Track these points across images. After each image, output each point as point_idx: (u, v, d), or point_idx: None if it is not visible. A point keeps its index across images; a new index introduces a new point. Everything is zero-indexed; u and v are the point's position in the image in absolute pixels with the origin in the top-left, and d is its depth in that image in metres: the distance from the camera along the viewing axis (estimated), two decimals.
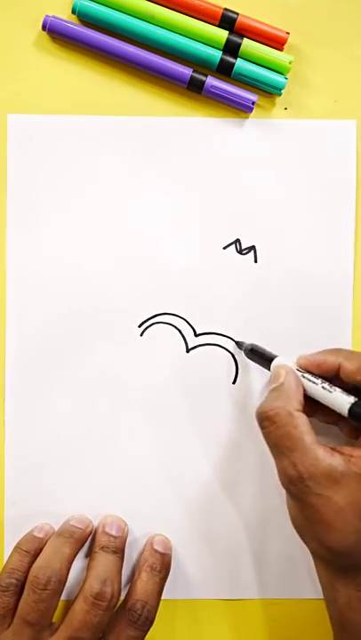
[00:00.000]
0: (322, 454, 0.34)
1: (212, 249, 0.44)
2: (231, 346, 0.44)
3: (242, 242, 0.44)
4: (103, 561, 0.40)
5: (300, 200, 0.44)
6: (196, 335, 0.44)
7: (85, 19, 0.42)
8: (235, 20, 0.42)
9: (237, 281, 0.44)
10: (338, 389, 0.36)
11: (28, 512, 0.43)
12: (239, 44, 0.42)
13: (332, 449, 0.35)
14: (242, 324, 0.44)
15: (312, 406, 0.38)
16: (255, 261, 0.44)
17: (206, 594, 0.44)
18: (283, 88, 0.43)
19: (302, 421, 0.35)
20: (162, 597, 0.42)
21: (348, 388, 0.37)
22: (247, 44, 0.42)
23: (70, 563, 0.40)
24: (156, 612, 0.40)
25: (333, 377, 0.38)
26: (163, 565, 0.41)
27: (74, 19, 0.43)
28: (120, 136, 0.43)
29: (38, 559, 0.40)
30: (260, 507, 0.44)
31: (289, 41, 0.43)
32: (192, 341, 0.44)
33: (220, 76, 0.43)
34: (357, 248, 0.44)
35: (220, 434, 0.44)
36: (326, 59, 0.44)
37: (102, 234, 0.44)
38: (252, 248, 0.44)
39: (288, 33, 0.42)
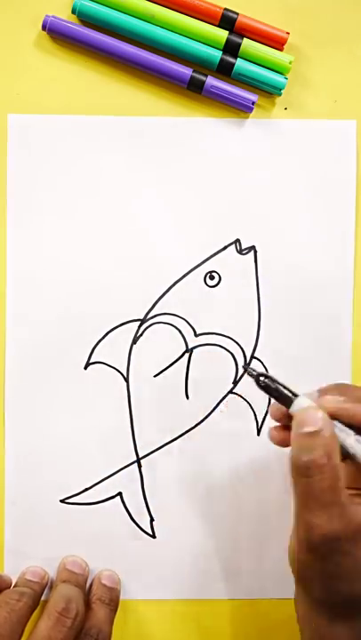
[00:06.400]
0: (357, 511, 0.33)
1: (212, 249, 0.44)
2: (231, 346, 0.44)
3: (242, 242, 0.44)
4: (66, 587, 0.41)
5: (300, 200, 0.44)
6: (196, 335, 0.44)
7: (85, 19, 0.42)
8: (235, 20, 0.42)
9: (237, 281, 0.44)
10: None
11: (27, 512, 0.43)
12: (239, 44, 0.42)
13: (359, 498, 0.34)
14: (242, 325, 0.44)
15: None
16: (255, 261, 0.44)
17: (206, 594, 0.44)
18: (283, 88, 0.43)
19: (343, 474, 0.33)
20: (159, 598, 0.42)
21: None
22: (247, 44, 0.42)
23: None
24: (109, 639, 0.40)
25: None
26: (111, 598, 0.42)
27: (74, 19, 0.43)
28: (120, 136, 0.43)
29: None
30: (259, 507, 0.44)
31: (289, 41, 0.43)
32: (192, 341, 0.44)
33: (220, 76, 0.43)
34: (357, 248, 0.44)
35: (220, 434, 0.44)
36: (326, 59, 0.44)
37: (102, 234, 0.44)
38: (252, 248, 0.44)
39: (288, 33, 0.42)
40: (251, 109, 0.43)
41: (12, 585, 0.42)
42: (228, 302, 0.44)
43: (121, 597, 0.43)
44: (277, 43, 0.42)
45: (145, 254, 0.44)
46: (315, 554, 0.33)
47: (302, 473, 0.33)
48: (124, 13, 0.42)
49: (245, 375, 0.44)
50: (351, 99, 0.44)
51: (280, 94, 0.43)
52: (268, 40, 0.42)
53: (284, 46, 0.43)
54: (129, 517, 0.44)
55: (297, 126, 0.44)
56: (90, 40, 0.42)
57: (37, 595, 0.41)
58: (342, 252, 0.44)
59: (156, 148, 0.43)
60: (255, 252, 0.44)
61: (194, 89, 0.43)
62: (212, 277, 0.44)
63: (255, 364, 0.44)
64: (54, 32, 0.42)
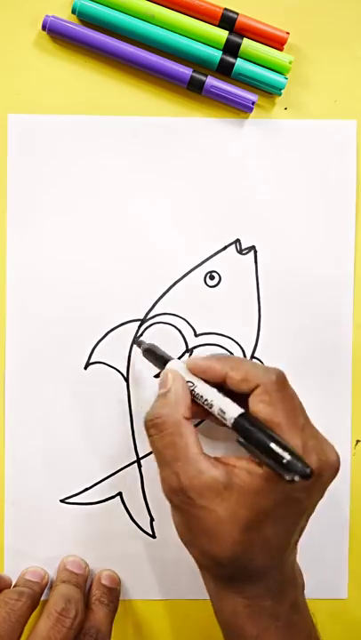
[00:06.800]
0: (205, 466, 0.34)
1: (212, 249, 0.44)
2: (231, 346, 0.44)
3: (242, 242, 0.44)
4: (65, 587, 0.41)
5: (300, 200, 0.44)
6: (196, 335, 0.44)
7: (85, 19, 0.42)
8: (235, 20, 0.42)
9: (237, 281, 0.44)
10: (220, 401, 0.36)
11: (28, 512, 0.43)
12: (239, 44, 0.42)
13: (217, 460, 0.35)
14: (242, 324, 0.44)
15: (206, 410, 0.37)
16: (255, 261, 0.44)
17: (206, 594, 0.44)
18: (283, 88, 0.43)
19: (189, 431, 0.35)
20: (159, 598, 0.42)
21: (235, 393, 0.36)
22: (247, 44, 0.42)
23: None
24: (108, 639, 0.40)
25: (220, 383, 0.37)
26: (110, 598, 0.42)
27: (74, 19, 0.43)
28: (120, 136, 0.43)
29: None
30: None
31: (289, 41, 0.43)
32: (192, 341, 0.44)
33: (220, 76, 0.43)
34: (357, 248, 0.44)
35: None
36: (326, 59, 0.44)
37: (102, 233, 0.44)
38: (252, 248, 0.44)
39: (288, 33, 0.42)
40: (251, 109, 0.43)
41: (12, 585, 0.42)
42: (228, 302, 0.44)
43: (121, 597, 0.43)
44: (277, 43, 0.42)
45: (145, 254, 0.44)
46: (175, 508, 0.36)
47: (147, 432, 0.37)
48: (124, 13, 0.42)
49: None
50: (351, 99, 0.44)
51: (280, 94, 0.43)
52: (268, 40, 0.42)
53: (284, 46, 0.43)
54: (129, 517, 0.44)
55: (297, 126, 0.44)
56: (90, 40, 0.42)
57: (37, 595, 0.41)
58: (342, 251, 0.44)
59: (156, 148, 0.43)
60: (255, 252, 0.44)
61: (194, 89, 0.43)
62: (212, 277, 0.44)
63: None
64: (54, 32, 0.42)
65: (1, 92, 0.43)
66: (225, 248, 0.44)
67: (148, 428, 0.37)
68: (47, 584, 0.43)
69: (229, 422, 0.35)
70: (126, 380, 0.44)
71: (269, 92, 0.43)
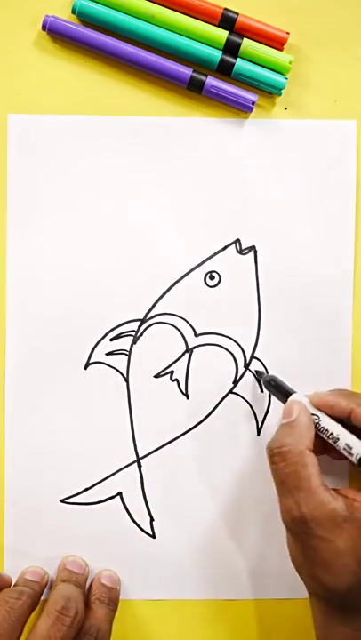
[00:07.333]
0: (327, 498, 0.35)
1: (212, 249, 0.44)
2: (231, 346, 0.44)
3: (242, 242, 0.44)
4: (65, 587, 0.41)
5: (300, 200, 0.44)
6: (196, 335, 0.44)
7: (85, 19, 0.42)
8: (235, 20, 0.42)
9: (237, 281, 0.44)
10: (346, 436, 0.36)
11: (27, 512, 0.43)
12: (239, 44, 0.42)
13: (337, 492, 0.36)
14: (242, 324, 0.44)
15: (325, 444, 0.38)
16: (255, 261, 0.44)
17: (206, 594, 0.44)
18: (283, 88, 0.43)
19: (311, 461, 0.36)
20: (159, 598, 0.42)
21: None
22: (247, 44, 0.42)
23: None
24: (108, 638, 0.40)
25: (346, 418, 0.38)
26: (110, 598, 0.42)
27: (74, 19, 0.43)
28: (120, 136, 0.43)
29: None
30: (260, 507, 0.44)
31: (289, 41, 0.43)
32: (192, 341, 0.44)
33: (220, 76, 0.43)
34: (357, 248, 0.44)
35: (220, 434, 0.44)
36: (326, 59, 0.44)
37: (102, 234, 0.44)
38: (252, 248, 0.44)
39: (288, 33, 0.42)
40: (251, 109, 0.43)
41: (12, 584, 0.42)
42: (228, 302, 0.44)
43: (121, 597, 0.43)
44: (277, 43, 0.42)
45: (145, 254, 0.44)
46: (293, 536, 0.36)
47: (270, 460, 0.37)
48: (124, 13, 0.42)
49: (245, 375, 0.44)
50: (351, 99, 0.44)
51: (280, 94, 0.43)
52: (268, 40, 0.42)
53: (284, 46, 0.43)
54: (129, 517, 0.44)
55: (297, 126, 0.44)
56: (90, 40, 0.42)
57: (37, 594, 0.41)
58: (342, 251, 0.44)
59: (156, 148, 0.43)
60: (255, 252, 0.44)
61: (194, 89, 0.43)
62: (212, 277, 0.44)
63: (255, 364, 0.44)
64: (54, 32, 0.42)
65: (1, 92, 0.43)
66: (225, 248, 0.44)
67: (271, 456, 0.37)
68: (47, 584, 0.43)
69: (356, 458, 0.36)
70: (126, 380, 0.44)
71: (269, 91, 0.43)
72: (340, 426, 0.37)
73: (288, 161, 0.44)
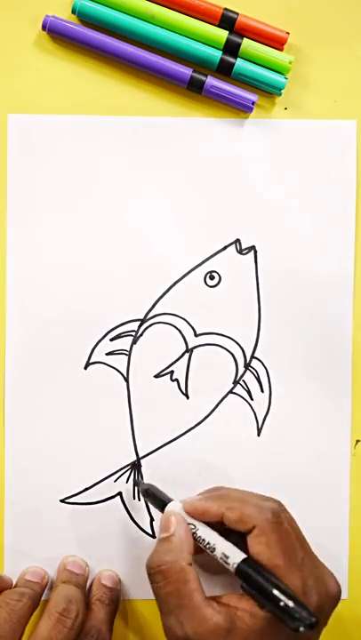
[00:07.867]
0: (209, 612, 0.34)
1: (212, 249, 0.44)
2: (231, 346, 0.44)
3: (242, 242, 0.44)
4: (66, 588, 0.40)
5: (300, 200, 0.44)
6: (196, 335, 0.44)
7: (85, 19, 0.42)
8: (235, 20, 0.42)
9: (237, 281, 0.44)
10: (222, 545, 0.36)
11: (27, 512, 0.43)
12: (239, 44, 0.42)
13: (219, 603, 0.35)
14: (242, 324, 0.44)
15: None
16: (255, 261, 0.44)
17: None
18: (283, 88, 0.43)
19: (193, 577, 0.35)
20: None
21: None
22: (247, 44, 0.42)
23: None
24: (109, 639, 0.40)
25: (219, 523, 0.37)
26: (111, 598, 0.42)
27: (74, 19, 0.43)
28: (120, 136, 0.43)
29: None
30: None
31: (289, 41, 0.43)
32: (192, 341, 0.44)
33: (220, 76, 0.43)
34: (358, 248, 0.44)
35: (220, 434, 0.44)
36: (326, 59, 0.44)
37: (102, 233, 0.44)
38: (252, 248, 0.44)
39: (288, 33, 0.42)
40: (251, 109, 0.43)
41: (13, 585, 0.42)
42: (228, 302, 0.44)
43: (121, 597, 0.43)
44: (277, 43, 0.42)
45: (145, 254, 0.44)
46: None
47: (151, 579, 0.36)
48: (124, 13, 0.42)
49: (245, 375, 0.44)
50: (351, 99, 0.44)
51: (280, 94, 0.43)
52: (268, 40, 0.42)
53: (284, 46, 0.43)
54: (129, 517, 0.44)
55: (297, 126, 0.44)
56: (90, 40, 0.42)
57: (37, 595, 0.41)
58: (342, 252, 0.44)
59: (156, 148, 0.44)
60: (255, 252, 0.44)
61: (194, 89, 0.43)
62: (212, 277, 0.44)
63: (255, 364, 0.44)
64: (54, 32, 0.42)
65: (1, 92, 0.43)
66: (225, 248, 0.44)
67: (152, 575, 0.36)
68: (47, 584, 0.43)
69: (232, 568, 0.35)
70: (126, 380, 0.44)
71: (269, 91, 0.43)
72: (215, 534, 0.37)
73: (288, 161, 0.44)
